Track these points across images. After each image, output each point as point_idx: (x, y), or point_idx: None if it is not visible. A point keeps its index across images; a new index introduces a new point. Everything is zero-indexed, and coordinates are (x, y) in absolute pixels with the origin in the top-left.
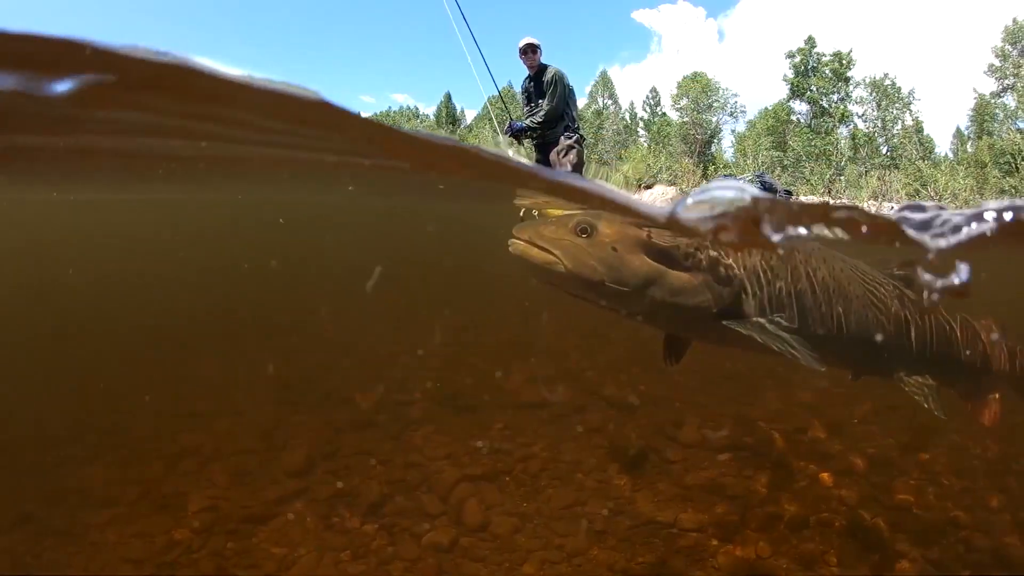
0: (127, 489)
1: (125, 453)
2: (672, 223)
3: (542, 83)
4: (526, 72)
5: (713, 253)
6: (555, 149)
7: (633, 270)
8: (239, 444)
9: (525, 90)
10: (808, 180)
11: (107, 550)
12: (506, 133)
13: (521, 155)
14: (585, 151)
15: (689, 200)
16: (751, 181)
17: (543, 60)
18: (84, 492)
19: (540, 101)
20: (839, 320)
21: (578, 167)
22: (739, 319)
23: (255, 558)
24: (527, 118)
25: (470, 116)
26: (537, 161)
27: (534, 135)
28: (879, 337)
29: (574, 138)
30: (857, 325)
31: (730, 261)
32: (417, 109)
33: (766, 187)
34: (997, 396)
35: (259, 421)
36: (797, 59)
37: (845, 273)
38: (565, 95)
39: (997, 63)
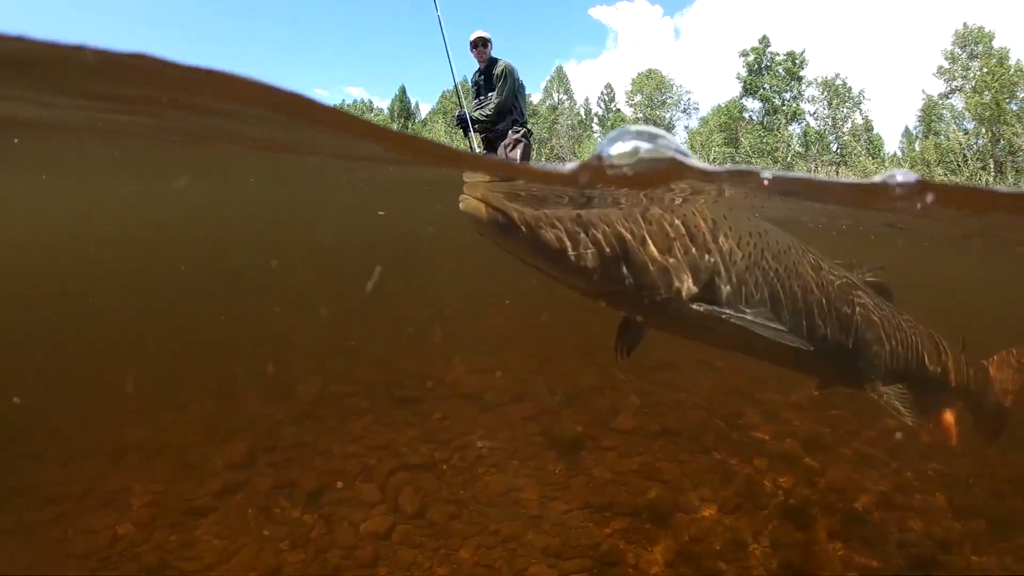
0: (72, 486)
1: (70, 450)
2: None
3: (492, 76)
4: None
5: (690, 228)
6: (503, 143)
7: (597, 238)
8: (182, 438)
9: (475, 83)
10: None
11: (52, 547)
12: (454, 123)
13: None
14: (534, 145)
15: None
16: None
17: (494, 54)
18: (30, 490)
19: (490, 94)
20: (813, 319)
21: (525, 160)
22: (711, 304)
23: (196, 550)
24: (476, 111)
25: (424, 110)
26: (485, 154)
27: (483, 127)
28: (852, 341)
29: (521, 132)
30: (830, 326)
31: (707, 238)
32: (371, 103)
33: None
34: (953, 412)
35: (201, 414)
36: (751, 58)
37: (821, 272)
38: (515, 89)
39: (946, 65)
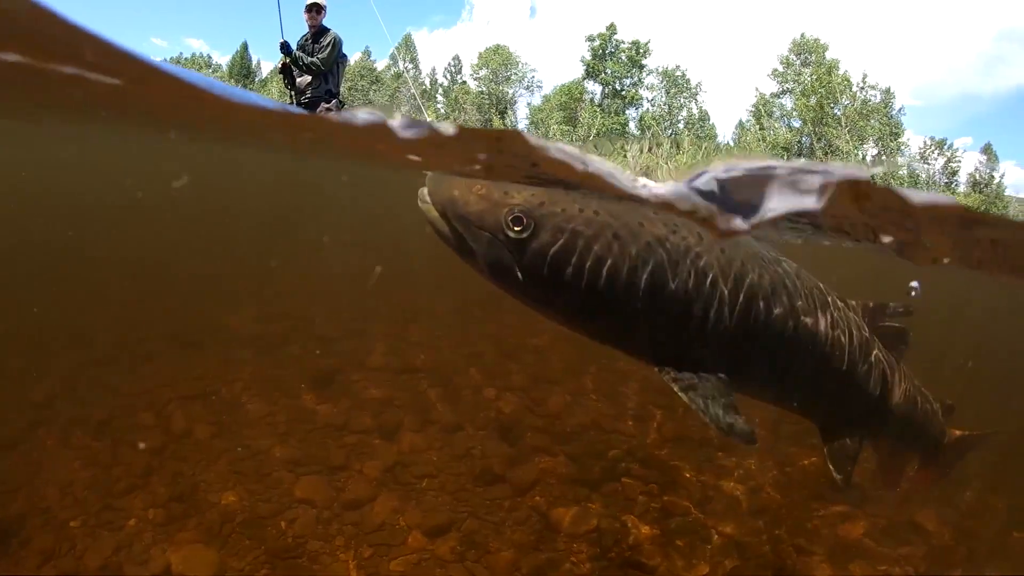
0: None
1: None
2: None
3: (319, 44)
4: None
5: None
6: (316, 110)
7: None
8: None
9: (301, 47)
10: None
11: None
12: (282, 51)
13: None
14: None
15: None
16: None
17: (325, 23)
18: None
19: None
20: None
21: None
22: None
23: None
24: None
25: (267, 69)
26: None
27: (304, 71)
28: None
29: (333, 103)
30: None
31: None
32: (210, 58)
33: None
34: (915, 465)
35: None
36: (596, 43)
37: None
38: (336, 58)
39: (781, 69)
